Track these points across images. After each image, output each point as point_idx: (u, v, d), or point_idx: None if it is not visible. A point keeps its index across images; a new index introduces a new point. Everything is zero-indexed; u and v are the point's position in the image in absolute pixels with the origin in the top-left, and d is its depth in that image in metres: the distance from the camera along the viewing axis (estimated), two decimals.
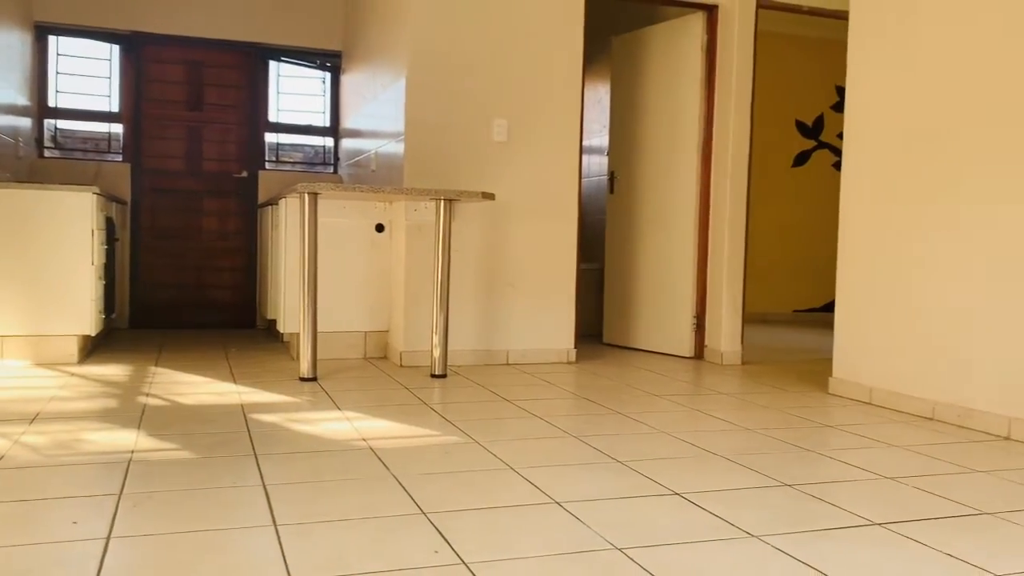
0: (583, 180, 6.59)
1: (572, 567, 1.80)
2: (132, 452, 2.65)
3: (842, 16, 4.90)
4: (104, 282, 4.70)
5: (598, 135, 6.65)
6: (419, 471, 2.51)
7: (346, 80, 6.36)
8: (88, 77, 6.05)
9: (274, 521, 2.04)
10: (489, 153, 4.67)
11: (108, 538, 1.90)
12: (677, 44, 5.23)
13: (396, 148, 4.74)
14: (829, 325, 4.18)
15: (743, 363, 5.04)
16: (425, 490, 2.32)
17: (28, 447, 2.69)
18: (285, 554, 1.83)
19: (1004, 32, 3.26)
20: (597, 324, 6.03)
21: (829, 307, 7.89)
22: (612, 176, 5.73)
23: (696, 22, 5.11)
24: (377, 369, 4.46)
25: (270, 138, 6.48)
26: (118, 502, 2.15)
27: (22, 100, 5.43)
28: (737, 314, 5.08)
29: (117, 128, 6.10)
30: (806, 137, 8.03)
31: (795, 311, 8.03)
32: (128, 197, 6.05)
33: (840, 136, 7.84)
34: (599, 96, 6.66)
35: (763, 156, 7.75)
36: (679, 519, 2.13)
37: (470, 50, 4.62)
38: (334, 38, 6.50)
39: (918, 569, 1.85)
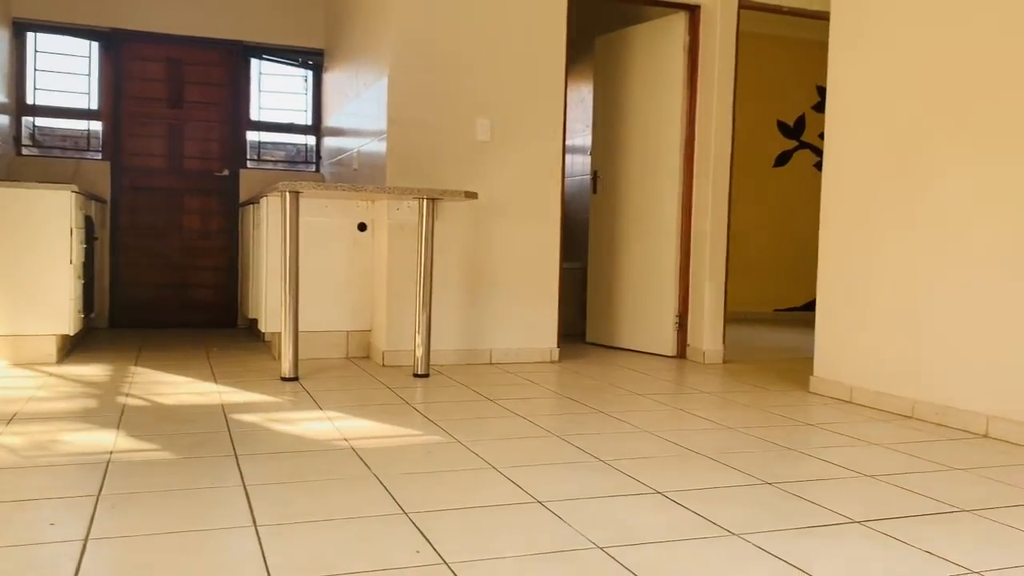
0: (566, 180, 6.59)
1: (554, 566, 1.80)
2: (111, 453, 2.62)
3: (823, 17, 4.93)
4: (83, 281, 4.66)
5: (581, 135, 6.65)
6: (401, 471, 2.50)
7: (328, 78, 6.33)
8: (67, 74, 5.99)
9: (254, 522, 2.03)
10: (472, 152, 4.66)
11: (86, 540, 1.88)
12: (660, 44, 5.24)
13: (379, 147, 4.72)
14: (810, 324, 4.21)
15: (725, 362, 5.06)
16: (407, 490, 2.32)
17: (5, 448, 2.65)
18: (265, 555, 1.82)
19: (984, 32, 3.29)
20: (580, 323, 6.04)
21: (810, 306, 7.94)
22: (595, 176, 5.74)
23: (678, 22, 5.13)
24: (359, 369, 4.44)
25: (252, 136, 6.44)
26: (96, 503, 2.13)
27: (0, 97, 5.37)
28: (719, 313, 5.10)
29: (96, 126, 6.05)
30: (787, 137, 8.08)
31: (776, 310, 8.07)
32: (108, 195, 6.00)
33: (821, 136, 7.89)
34: (582, 96, 6.67)
35: (745, 156, 7.79)
36: (661, 518, 2.14)
37: (453, 49, 4.61)
38: (316, 36, 6.47)
39: (898, 566, 1.86)
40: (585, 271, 6.02)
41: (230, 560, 1.79)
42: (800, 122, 8.10)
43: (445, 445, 2.84)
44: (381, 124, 4.65)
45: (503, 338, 4.77)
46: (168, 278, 6.21)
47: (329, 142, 6.29)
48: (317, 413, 3.29)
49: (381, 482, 2.39)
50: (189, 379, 3.99)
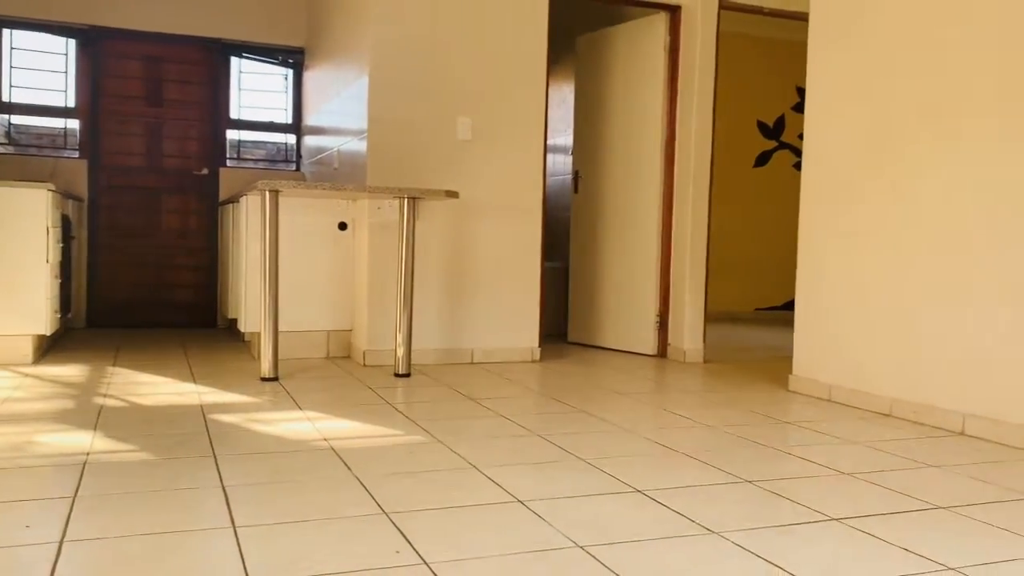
0: (548, 179, 6.60)
1: (534, 565, 1.80)
2: (88, 454, 2.60)
3: (802, 17, 4.96)
4: (60, 281, 4.61)
5: (563, 134, 6.66)
6: (381, 471, 2.50)
7: (309, 77, 6.30)
8: (44, 72, 5.92)
9: (233, 523, 2.01)
10: (453, 151, 4.65)
11: (61, 542, 1.86)
12: (641, 44, 5.26)
13: (359, 146, 4.71)
14: (790, 323, 4.23)
15: (705, 361, 5.08)
16: (387, 490, 2.31)
17: None
18: (244, 556, 1.80)
19: (963, 31, 3.33)
20: (562, 323, 6.04)
21: (790, 305, 7.99)
22: (576, 175, 5.74)
23: (659, 23, 5.14)
24: (340, 369, 4.43)
25: (231, 135, 6.40)
26: (72, 505, 2.11)
27: None
28: (700, 312, 5.12)
29: (74, 124, 5.98)
30: (767, 138, 8.12)
31: (757, 309, 8.12)
32: (85, 194, 5.94)
33: (801, 137, 7.94)
34: (564, 95, 6.67)
35: (725, 156, 7.82)
36: (641, 516, 2.14)
37: (434, 48, 4.60)
38: (296, 34, 6.43)
39: (876, 563, 1.87)
40: (567, 270, 6.02)
41: (208, 562, 1.78)
42: (780, 122, 8.15)
43: (426, 445, 2.83)
44: (362, 123, 4.63)
45: (485, 337, 4.76)
46: (147, 278, 6.15)
47: (309, 141, 6.26)
48: (297, 413, 3.28)
49: (361, 482, 2.38)
50: (168, 379, 3.96)
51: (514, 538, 1.96)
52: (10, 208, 4.16)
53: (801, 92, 8.00)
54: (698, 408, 3.63)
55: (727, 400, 3.82)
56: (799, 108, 8.11)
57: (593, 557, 1.85)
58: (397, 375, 4.23)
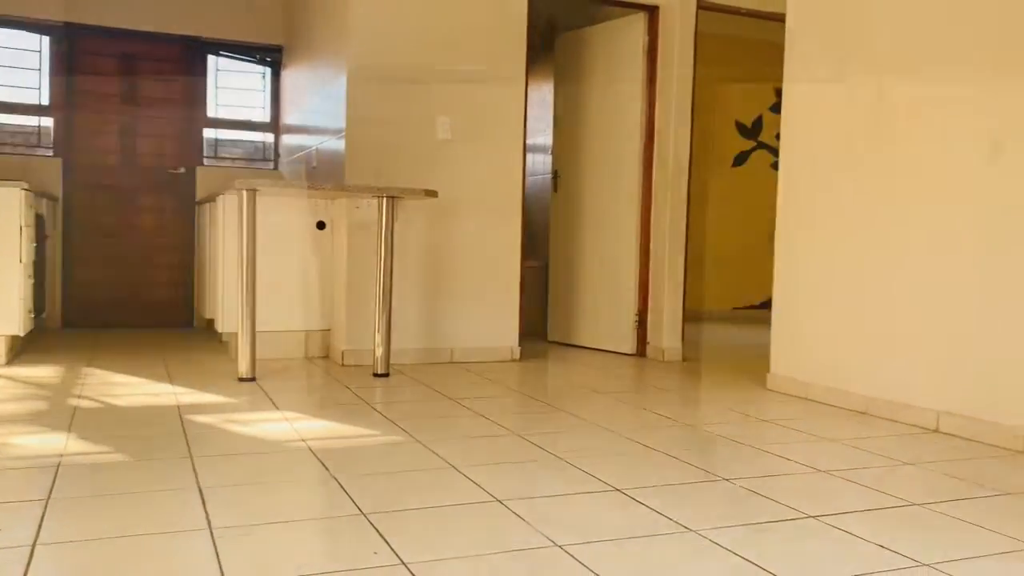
0: (527, 178, 6.60)
1: (513, 565, 1.80)
2: (61, 456, 2.57)
3: (779, 18, 4.99)
4: (33, 281, 4.56)
5: (543, 133, 6.66)
6: (359, 472, 2.49)
7: (287, 75, 6.26)
8: (17, 69, 5.85)
9: (209, 524, 2.00)
10: (432, 150, 4.64)
11: (33, 545, 1.84)
12: (620, 44, 5.27)
13: (338, 144, 4.69)
14: (767, 322, 4.27)
15: (684, 359, 5.11)
16: (365, 491, 2.30)
17: None
18: (220, 558, 1.79)
19: (937, 31, 3.36)
20: (541, 322, 6.05)
21: (767, 304, 8.04)
22: (556, 175, 5.75)
23: (638, 22, 5.16)
24: (318, 369, 4.41)
25: (208, 133, 6.35)
26: (45, 507, 2.08)
27: None
28: (678, 311, 5.14)
29: (48, 122, 5.91)
30: (745, 138, 8.17)
31: (734, 308, 8.16)
32: (59, 193, 5.87)
33: (778, 137, 8.00)
34: (543, 95, 6.67)
35: (704, 156, 7.85)
36: (619, 515, 2.15)
37: (413, 47, 4.59)
38: (274, 32, 6.39)
39: (852, 560, 1.89)
40: (546, 269, 6.03)
41: (184, 564, 1.76)
42: (757, 123, 8.19)
43: (405, 445, 2.82)
44: (340, 122, 4.61)
45: (464, 337, 4.76)
46: (122, 277, 6.09)
47: (288, 139, 6.22)
48: (275, 414, 3.26)
49: (339, 483, 2.37)
50: (144, 380, 3.92)
51: (493, 538, 1.96)
52: None
53: (779, 93, 8.05)
54: (676, 406, 3.64)
55: (705, 398, 3.84)
56: (777, 108, 8.16)
57: (571, 556, 1.85)
58: (376, 375, 4.21)
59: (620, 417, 3.37)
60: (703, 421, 3.34)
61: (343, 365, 4.49)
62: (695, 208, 7.80)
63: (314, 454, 2.67)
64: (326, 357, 4.77)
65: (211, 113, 6.33)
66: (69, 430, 2.90)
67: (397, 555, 1.83)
